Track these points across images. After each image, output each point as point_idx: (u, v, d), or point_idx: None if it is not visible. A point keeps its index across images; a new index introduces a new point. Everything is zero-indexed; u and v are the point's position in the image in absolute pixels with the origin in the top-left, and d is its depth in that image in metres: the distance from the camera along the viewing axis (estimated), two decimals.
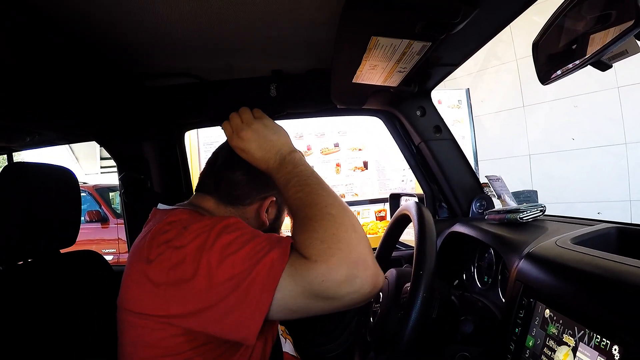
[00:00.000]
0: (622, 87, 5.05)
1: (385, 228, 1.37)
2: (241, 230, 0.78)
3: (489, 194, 1.62)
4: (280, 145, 0.92)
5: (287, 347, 1.20)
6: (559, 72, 0.90)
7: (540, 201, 1.33)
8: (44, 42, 0.99)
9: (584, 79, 5.11)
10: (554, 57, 0.94)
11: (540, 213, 1.20)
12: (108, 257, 5.72)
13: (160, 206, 0.99)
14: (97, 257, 1.21)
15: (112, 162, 1.71)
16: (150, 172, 1.68)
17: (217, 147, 1.08)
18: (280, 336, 1.16)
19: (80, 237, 1.18)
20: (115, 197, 7.10)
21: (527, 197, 1.55)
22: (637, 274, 0.66)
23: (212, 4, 0.95)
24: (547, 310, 0.76)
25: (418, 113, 1.64)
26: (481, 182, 1.68)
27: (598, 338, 0.62)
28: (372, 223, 4.40)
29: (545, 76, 0.95)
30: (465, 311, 1.07)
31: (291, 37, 1.19)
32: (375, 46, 0.98)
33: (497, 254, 1.22)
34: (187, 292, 0.73)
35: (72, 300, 1.06)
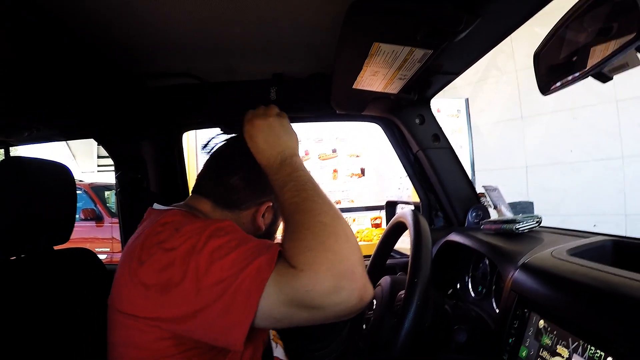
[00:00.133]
0: (621, 101, 5.08)
1: (381, 235, 1.37)
2: (232, 235, 0.77)
3: (486, 204, 1.62)
4: (285, 145, 0.91)
5: (278, 351, 1.19)
6: (559, 83, 0.90)
7: (536, 212, 1.33)
8: (48, 39, 0.99)
9: (582, 92, 5.14)
10: (554, 68, 0.94)
11: (537, 224, 1.20)
12: (101, 257, 5.69)
13: (156, 206, 0.98)
14: (90, 256, 1.21)
15: (109, 161, 1.71)
16: (147, 172, 1.68)
17: (215, 149, 1.07)
18: (272, 340, 1.15)
19: (74, 235, 1.18)
20: (111, 196, 7.07)
21: (524, 208, 1.56)
22: (632, 286, 0.66)
23: (215, 6, 0.96)
24: (542, 321, 0.76)
25: (417, 121, 1.65)
26: (478, 192, 1.68)
27: (592, 349, 0.62)
28: (367, 230, 4.40)
29: (545, 87, 0.96)
30: (459, 320, 1.06)
31: (292, 40, 1.19)
32: (376, 52, 0.98)
33: (492, 264, 1.22)
34: (175, 296, 0.72)
35: (64, 298, 1.05)
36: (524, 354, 0.78)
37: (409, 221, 1.05)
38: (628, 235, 1.04)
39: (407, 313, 0.87)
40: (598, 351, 0.61)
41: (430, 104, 1.65)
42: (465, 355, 0.98)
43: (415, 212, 1.08)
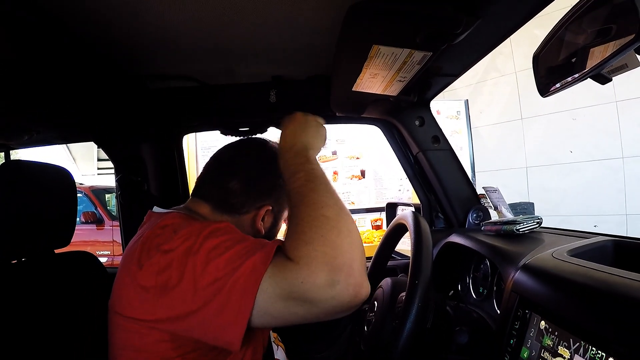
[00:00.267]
0: (620, 102, 5.08)
1: (381, 237, 1.37)
2: (228, 235, 0.77)
3: (486, 205, 1.62)
4: (307, 140, 0.93)
5: (279, 354, 1.19)
6: (558, 84, 0.91)
7: (536, 213, 1.33)
8: (48, 40, 0.99)
9: (582, 93, 5.14)
10: (554, 69, 0.94)
11: (537, 225, 1.20)
12: (102, 259, 5.68)
13: (156, 209, 0.99)
14: (91, 259, 1.21)
15: (109, 164, 1.71)
16: (147, 175, 1.68)
17: (215, 152, 1.07)
18: (273, 343, 1.15)
19: (75, 238, 1.18)
20: (111, 199, 7.07)
21: (524, 209, 1.56)
22: (633, 286, 0.66)
23: (215, 9, 0.96)
24: (543, 322, 0.76)
25: (417, 123, 1.65)
26: (478, 193, 1.68)
27: (593, 350, 0.62)
28: (368, 232, 4.39)
29: (544, 88, 0.96)
30: (460, 322, 1.06)
31: (292, 43, 1.19)
32: (376, 55, 0.98)
33: (493, 265, 1.22)
34: (173, 297, 0.72)
35: (65, 301, 1.05)
36: (525, 355, 0.78)
37: (410, 223, 1.05)
38: (629, 235, 1.04)
39: (408, 315, 0.87)
40: (599, 352, 0.61)
41: (430, 106, 1.65)
42: (467, 356, 0.98)
43: (415, 214, 1.08)
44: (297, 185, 0.82)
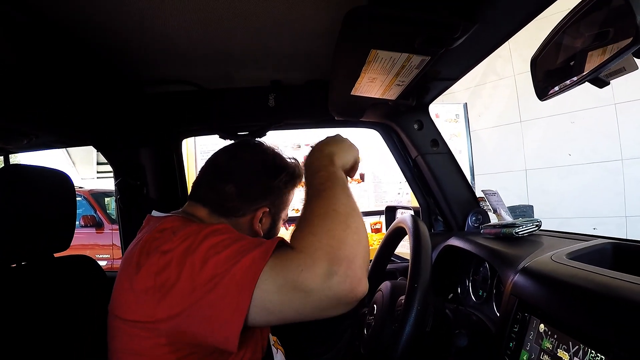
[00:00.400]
0: (619, 104, 5.09)
1: (381, 240, 1.37)
2: (227, 234, 0.78)
3: (485, 208, 1.62)
4: (340, 152, 0.94)
5: (279, 358, 1.19)
6: (556, 88, 0.91)
7: (536, 216, 1.33)
8: (47, 45, 1.00)
9: (581, 95, 5.15)
10: (552, 73, 0.95)
11: (536, 228, 1.20)
12: (102, 263, 5.67)
13: (154, 213, 0.99)
14: (90, 263, 1.21)
15: (108, 167, 1.71)
16: (146, 179, 1.68)
17: (210, 156, 1.08)
18: (272, 347, 1.15)
19: (74, 242, 1.18)
20: (111, 203, 7.06)
21: (523, 212, 1.56)
22: (632, 289, 0.66)
23: (214, 14, 0.96)
24: (542, 325, 0.76)
25: (416, 126, 1.65)
26: (477, 196, 1.68)
27: (592, 353, 0.62)
28: (367, 235, 4.38)
29: (543, 92, 0.96)
30: (460, 325, 1.06)
31: (291, 47, 1.20)
32: (374, 59, 0.98)
33: (492, 268, 1.22)
34: (172, 295, 0.73)
35: (64, 305, 1.05)
36: (524, 358, 0.78)
37: (409, 226, 1.05)
38: (629, 237, 1.04)
39: (407, 318, 0.87)
40: (599, 355, 0.61)
41: (429, 110, 1.66)
42: (466, 359, 0.98)
43: (414, 217, 1.08)
44: (316, 182, 0.85)
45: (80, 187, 7.19)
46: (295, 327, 1.56)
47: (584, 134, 5.37)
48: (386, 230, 1.40)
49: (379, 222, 4.50)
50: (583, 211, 5.35)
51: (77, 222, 1.26)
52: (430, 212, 1.77)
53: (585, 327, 0.67)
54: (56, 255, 1.14)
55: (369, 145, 4.54)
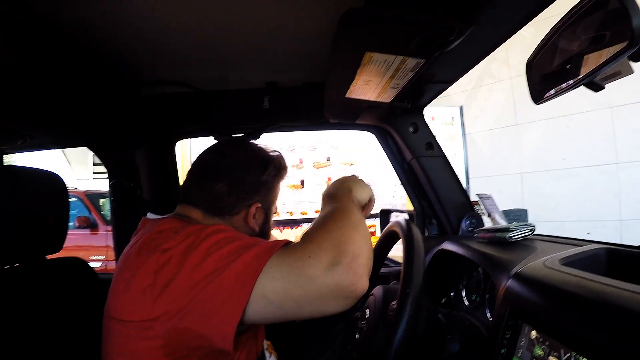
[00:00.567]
0: (615, 107, 5.11)
1: (374, 244, 1.37)
2: (230, 233, 0.80)
3: (479, 212, 1.62)
4: (358, 188, 1.02)
5: None
6: (552, 91, 0.91)
7: (530, 220, 1.33)
8: (44, 46, 0.99)
9: (577, 99, 5.17)
10: (547, 76, 0.94)
11: (530, 232, 1.20)
12: (96, 264, 5.66)
13: (150, 216, 0.99)
14: (82, 265, 1.20)
15: (104, 168, 1.70)
16: (140, 181, 1.67)
17: (197, 157, 1.07)
18: (265, 351, 1.14)
19: (68, 243, 1.17)
20: (106, 204, 7.03)
21: (517, 216, 1.56)
22: (624, 296, 0.66)
23: (210, 16, 0.96)
24: (534, 332, 0.76)
25: (410, 129, 1.65)
26: (472, 200, 1.68)
27: None
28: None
29: (538, 95, 0.96)
30: (452, 329, 1.06)
31: (286, 49, 1.20)
32: (369, 62, 0.98)
33: (486, 273, 1.22)
34: (170, 292, 0.73)
35: (56, 307, 1.05)
36: None
37: (401, 230, 1.05)
38: (623, 240, 1.04)
39: (399, 323, 0.86)
40: None
41: (424, 112, 1.66)
42: None
43: (407, 221, 1.08)
44: (333, 202, 0.93)
45: (75, 188, 7.15)
46: (289, 331, 1.56)
47: (580, 137, 5.39)
48: (380, 233, 1.39)
49: (373, 225, 4.50)
50: (578, 214, 5.37)
51: (71, 223, 1.26)
52: (424, 215, 1.77)
53: (577, 334, 0.66)
54: (49, 257, 1.14)
55: (363, 147, 4.55)
